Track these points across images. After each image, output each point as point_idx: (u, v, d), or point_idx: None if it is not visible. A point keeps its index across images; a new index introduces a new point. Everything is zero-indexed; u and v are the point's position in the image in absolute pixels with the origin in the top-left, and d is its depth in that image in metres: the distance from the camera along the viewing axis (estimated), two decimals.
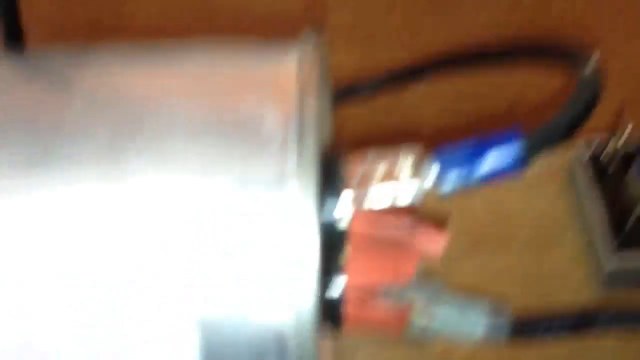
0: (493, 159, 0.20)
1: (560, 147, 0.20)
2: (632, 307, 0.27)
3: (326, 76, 0.22)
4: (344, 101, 0.36)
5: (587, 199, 0.33)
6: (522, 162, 0.20)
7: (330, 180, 0.20)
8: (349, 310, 0.23)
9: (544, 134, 0.20)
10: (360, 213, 0.20)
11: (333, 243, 0.21)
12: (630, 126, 0.32)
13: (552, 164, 0.37)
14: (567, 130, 0.20)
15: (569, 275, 0.33)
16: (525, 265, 0.33)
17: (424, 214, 0.21)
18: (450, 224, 0.35)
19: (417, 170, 0.20)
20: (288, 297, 0.19)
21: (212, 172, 0.19)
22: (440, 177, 0.20)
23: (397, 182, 0.20)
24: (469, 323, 0.26)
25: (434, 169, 0.20)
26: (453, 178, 0.20)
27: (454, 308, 0.26)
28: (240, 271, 0.19)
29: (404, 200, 0.20)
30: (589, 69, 0.22)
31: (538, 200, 0.36)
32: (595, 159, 0.34)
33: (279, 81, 0.20)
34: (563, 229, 0.35)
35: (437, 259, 0.21)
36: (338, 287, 0.22)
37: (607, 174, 0.33)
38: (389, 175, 0.20)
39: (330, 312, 0.23)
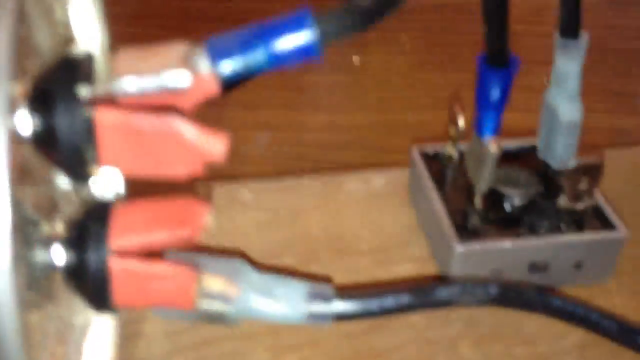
0: (279, 43, 0.18)
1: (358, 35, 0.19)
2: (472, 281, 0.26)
3: None
4: None
5: (429, 203, 0.31)
6: (316, 44, 0.18)
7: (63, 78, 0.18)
8: (117, 272, 0.20)
9: (341, 15, 0.19)
10: (117, 110, 0.18)
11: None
12: (462, 119, 0.31)
13: (390, 185, 0.36)
14: (369, 13, 0.19)
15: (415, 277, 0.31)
16: (366, 270, 0.31)
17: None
18: (279, 242, 0.33)
19: (185, 55, 0.18)
20: None
21: None
22: (215, 64, 0.18)
23: (163, 72, 0.18)
24: (284, 301, 0.23)
25: (204, 53, 0.18)
26: (231, 63, 0.18)
27: (265, 284, 0.23)
28: None
29: (174, 90, 0.18)
30: None
31: (378, 213, 0.34)
32: (433, 166, 0.33)
33: None
34: (406, 236, 0.33)
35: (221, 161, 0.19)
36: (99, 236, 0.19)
37: (446, 178, 0.33)
38: (150, 64, 0.18)
39: (87, 278, 0.20)
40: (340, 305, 0.24)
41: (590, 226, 0.30)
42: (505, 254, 0.29)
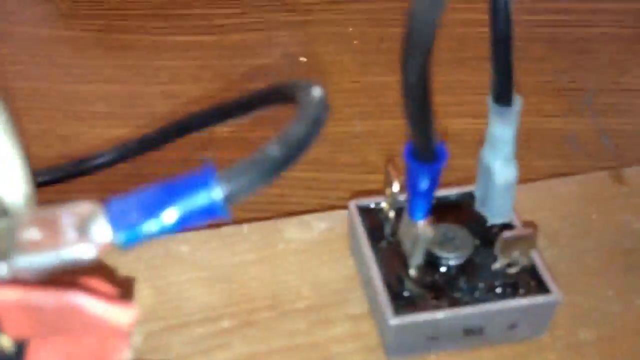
0: (182, 208, 0.18)
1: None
2: None
3: None
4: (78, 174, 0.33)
5: (366, 264, 0.31)
6: (222, 204, 0.18)
7: None
8: None
9: (248, 171, 0.18)
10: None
11: None
12: (397, 183, 0.31)
13: (330, 231, 0.36)
14: (279, 164, 0.18)
15: (352, 343, 0.31)
16: (304, 332, 0.31)
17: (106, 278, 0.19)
18: (217, 302, 0.32)
19: (85, 226, 0.17)
20: None
21: None
22: (115, 230, 0.17)
23: (60, 244, 0.17)
24: None
25: (105, 222, 0.17)
26: (132, 232, 0.17)
27: None
28: None
29: (73, 264, 0.17)
30: (309, 97, 0.20)
31: (318, 265, 0.34)
32: (372, 220, 0.33)
33: None
34: (346, 291, 0.33)
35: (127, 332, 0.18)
36: None
37: (384, 235, 0.32)
38: (49, 238, 0.17)
39: None
40: None
41: (525, 288, 0.30)
42: (440, 322, 0.29)
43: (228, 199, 0.18)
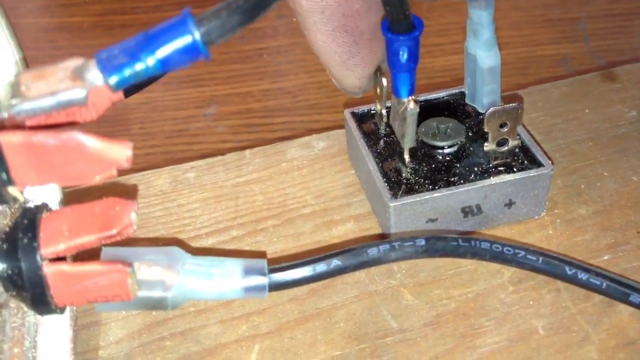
0: (164, 49, 0.19)
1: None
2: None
3: None
4: None
5: (364, 162, 0.32)
6: (200, 46, 0.19)
7: None
8: (51, 277, 0.21)
9: (223, 13, 0.19)
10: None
11: None
12: (384, 79, 0.32)
13: (330, 148, 0.37)
14: (252, 7, 0.20)
15: (356, 238, 0.32)
16: (310, 234, 0.32)
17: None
18: (225, 216, 0.33)
19: (80, 74, 0.19)
20: None
21: None
22: (105, 74, 0.19)
23: (59, 92, 0.19)
24: (220, 280, 0.25)
25: (96, 69, 0.19)
26: (122, 74, 0.19)
27: (200, 267, 0.24)
28: None
29: (72, 106, 0.19)
30: None
31: (320, 177, 0.35)
32: (366, 125, 0.34)
33: None
34: (348, 196, 0.34)
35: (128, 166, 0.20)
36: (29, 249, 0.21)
37: (378, 136, 0.33)
38: (48, 86, 0.19)
39: (25, 286, 0.21)
40: (274, 277, 0.25)
41: (519, 165, 0.31)
42: (438, 203, 0.30)
43: (205, 36, 0.19)
